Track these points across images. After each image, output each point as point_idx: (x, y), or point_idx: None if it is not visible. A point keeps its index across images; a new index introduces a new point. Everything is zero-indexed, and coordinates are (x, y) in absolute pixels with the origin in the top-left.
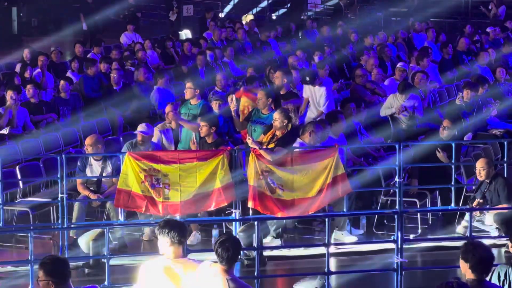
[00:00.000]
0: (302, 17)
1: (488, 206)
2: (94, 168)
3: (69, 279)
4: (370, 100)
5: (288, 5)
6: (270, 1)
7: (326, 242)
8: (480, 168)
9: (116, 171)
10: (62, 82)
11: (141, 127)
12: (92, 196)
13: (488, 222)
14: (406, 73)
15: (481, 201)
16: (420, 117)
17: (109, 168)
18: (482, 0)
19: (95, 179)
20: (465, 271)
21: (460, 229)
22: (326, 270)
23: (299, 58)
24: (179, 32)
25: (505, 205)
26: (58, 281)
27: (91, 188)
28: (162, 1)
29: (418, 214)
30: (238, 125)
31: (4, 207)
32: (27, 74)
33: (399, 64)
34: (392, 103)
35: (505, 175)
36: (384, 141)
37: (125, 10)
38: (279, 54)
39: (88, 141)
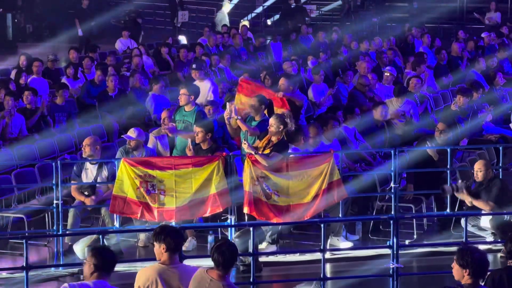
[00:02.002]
0: (298, 24)
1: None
2: (90, 172)
3: (111, 271)
4: (369, 107)
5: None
6: (265, 7)
7: (321, 247)
8: (478, 169)
9: (112, 177)
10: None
11: (129, 132)
12: (88, 201)
13: (483, 223)
14: (394, 77)
15: (464, 182)
16: (416, 123)
17: (104, 173)
18: (477, 6)
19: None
20: (461, 276)
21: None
22: (321, 275)
23: (294, 64)
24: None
25: (492, 205)
26: (99, 267)
27: (85, 193)
28: (161, 7)
29: (414, 219)
30: (231, 132)
31: None
32: (22, 81)
33: (386, 68)
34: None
35: None
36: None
37: (125, 16)
38: (280, 58)
39: (86, 141)
